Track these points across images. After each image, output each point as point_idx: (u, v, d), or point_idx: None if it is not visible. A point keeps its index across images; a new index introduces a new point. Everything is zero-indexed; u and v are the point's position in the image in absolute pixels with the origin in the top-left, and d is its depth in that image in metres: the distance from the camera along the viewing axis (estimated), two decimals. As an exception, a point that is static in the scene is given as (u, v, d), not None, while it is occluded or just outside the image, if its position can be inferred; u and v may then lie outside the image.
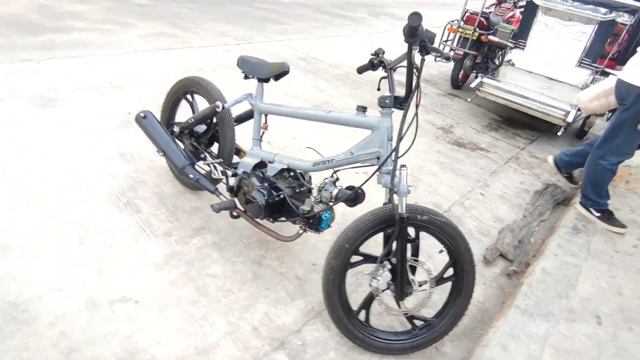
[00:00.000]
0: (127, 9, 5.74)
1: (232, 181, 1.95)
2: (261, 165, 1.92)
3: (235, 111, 2.07)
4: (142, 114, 2.07)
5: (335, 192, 1.64)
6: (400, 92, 1.44)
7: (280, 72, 1.80)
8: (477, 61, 4.57)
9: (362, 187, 1.56)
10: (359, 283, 1.93)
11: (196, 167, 2.04)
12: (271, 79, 1.84)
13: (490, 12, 4.81)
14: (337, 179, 1.71)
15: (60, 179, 2.23)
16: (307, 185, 1.85)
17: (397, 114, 1.43)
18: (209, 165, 2.10)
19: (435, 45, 1.72)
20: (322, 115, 1.66)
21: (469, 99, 4.39)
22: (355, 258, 1.56)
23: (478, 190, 2.92)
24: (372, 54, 1.53)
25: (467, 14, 4.36)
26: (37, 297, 1.60)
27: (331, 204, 1.66)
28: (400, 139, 1.40)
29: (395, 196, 1.45)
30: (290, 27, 6.47)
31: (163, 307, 1.66)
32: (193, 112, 2.24)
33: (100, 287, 1.69)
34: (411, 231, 1.51)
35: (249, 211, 1.83)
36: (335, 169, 1.69)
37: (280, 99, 3.73)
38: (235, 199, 1.92)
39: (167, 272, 1.82)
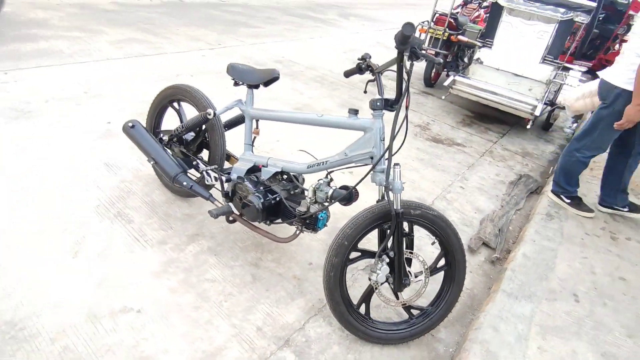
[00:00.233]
0: (92, 15, 5.57)
1: (227, 186, 1.98)
2: (254, 169, 1.95)
3: (223, 117, 2.10)
4: (130, 124, 2.06)
5: (330, 192, 1.71)
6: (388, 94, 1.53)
7: (270, 79, 1.84)
8: (447, 60, 4.75)
9: (356, 187, 1.63)
10: (354, 279, 2.00)
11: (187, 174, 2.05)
12: (261, 85, 1.88)
13: (457, 13, 5.02)
14: (332, 180, 1.77)
15: (46, 191, 2.19)
16: (300, 187, 1.91)
17: (388, 115, 1.52)
18: (200, 172, 2.12)
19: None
20: (315, 119, 1.71)
21: (442, 97, 4.57)
22: (353, 254, 1.62)
23: (458, 183, 3.07)
24: (359, 59, 1.60)
25: (437, 15, 4.53)
26: (35, 314, 1.57)
27: (327, 204, 1.71)
28: (393, 138, 1.48)
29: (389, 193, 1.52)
30: (262, 30, 6.48)
31: (166, 315, 1.67)
32: (181, 121, 2.24)
33: (99, 300, 1.68)
34: (405, 225, 1.59)
35: (246, 215, 1.86)
36: (330, 170, 1.75)
37: (262, 103, 3.74)
38: (231, 204, 1.94)
39: (167, 280, 1.83)
